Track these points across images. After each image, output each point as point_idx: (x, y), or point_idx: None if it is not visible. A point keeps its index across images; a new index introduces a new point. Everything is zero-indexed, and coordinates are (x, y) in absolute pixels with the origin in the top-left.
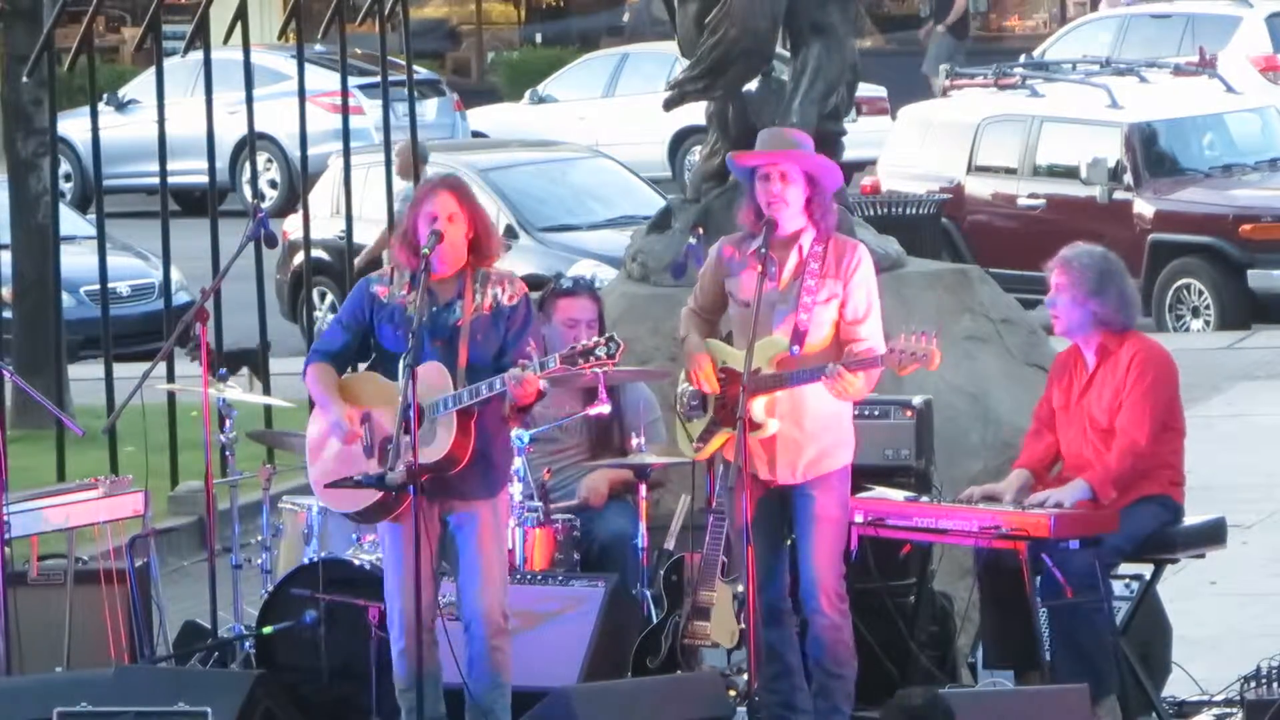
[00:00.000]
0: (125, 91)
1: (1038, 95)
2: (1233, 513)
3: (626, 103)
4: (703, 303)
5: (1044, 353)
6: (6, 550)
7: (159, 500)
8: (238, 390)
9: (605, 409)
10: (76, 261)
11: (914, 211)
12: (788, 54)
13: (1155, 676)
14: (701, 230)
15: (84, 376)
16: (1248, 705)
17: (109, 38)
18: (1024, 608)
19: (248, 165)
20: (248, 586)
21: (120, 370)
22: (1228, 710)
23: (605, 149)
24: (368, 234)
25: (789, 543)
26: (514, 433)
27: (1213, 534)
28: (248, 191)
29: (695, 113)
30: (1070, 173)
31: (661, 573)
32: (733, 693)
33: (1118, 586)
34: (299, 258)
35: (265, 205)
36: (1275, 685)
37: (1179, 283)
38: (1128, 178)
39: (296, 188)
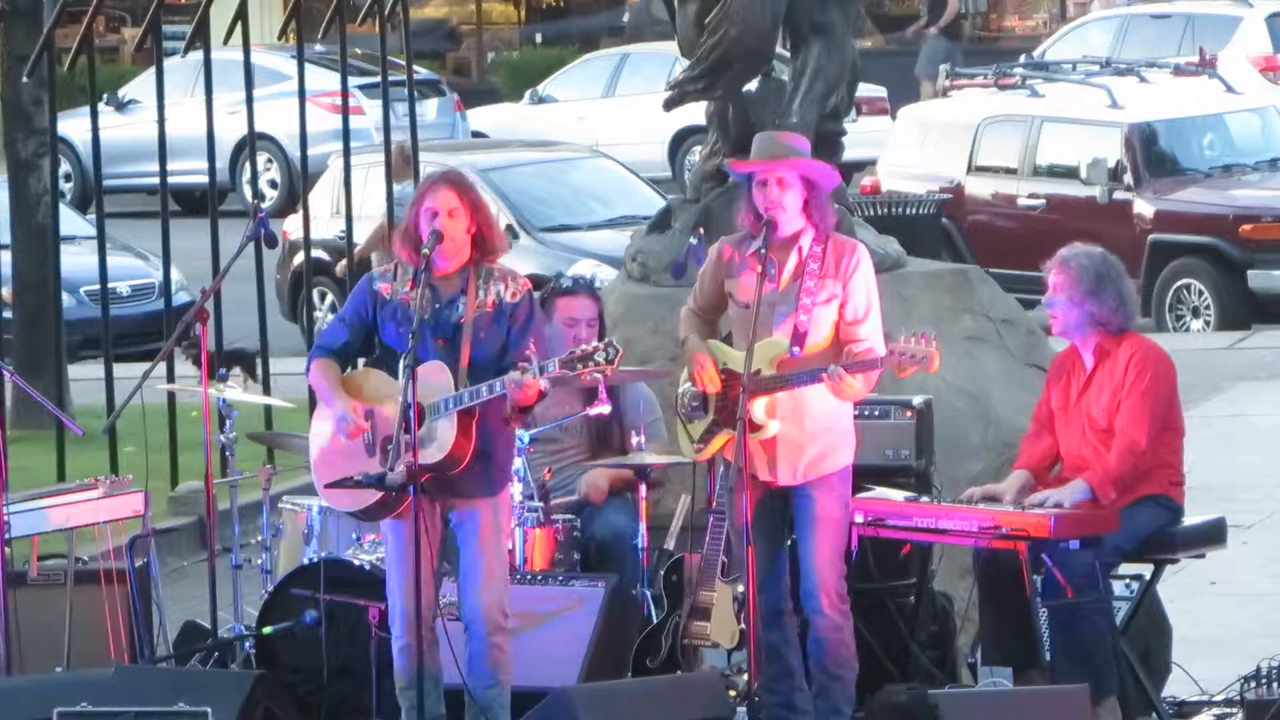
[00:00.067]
0: (125, 91)
1: (1038, 95)
2: (1233, 513)
3: (626, 103)
4: (702, 303)
5: (1044, 353)
6: (6, 550)
7: (159, 500)
8: (238, 390)
9: (605, 409)
10: (76, 261)
11: (914, 211)
12: (788, 54)
13: (1155, 676)
14: (702, 230)
15: (84, 376)
16: (1248, 705)
17: (109, 38)
18: (1023, 608)
19: (248, 165)
20: (248, 586)
21: (120, 370)
22: (1228, 710)
23: (605, 149)
24: (368, 234)
25: (789, 543)
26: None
27: (1213, 534)
28: (248, 191)
29: (695, 113)
30: (1070, 173)
31: (661, 573)
32: (733, 693)
33: (1118, 586)
34: (299, 258)
35: (265, 205)
36: (1275, 685)
37: (1179, 283)
38: (1128, 178)
39: (296, 188)
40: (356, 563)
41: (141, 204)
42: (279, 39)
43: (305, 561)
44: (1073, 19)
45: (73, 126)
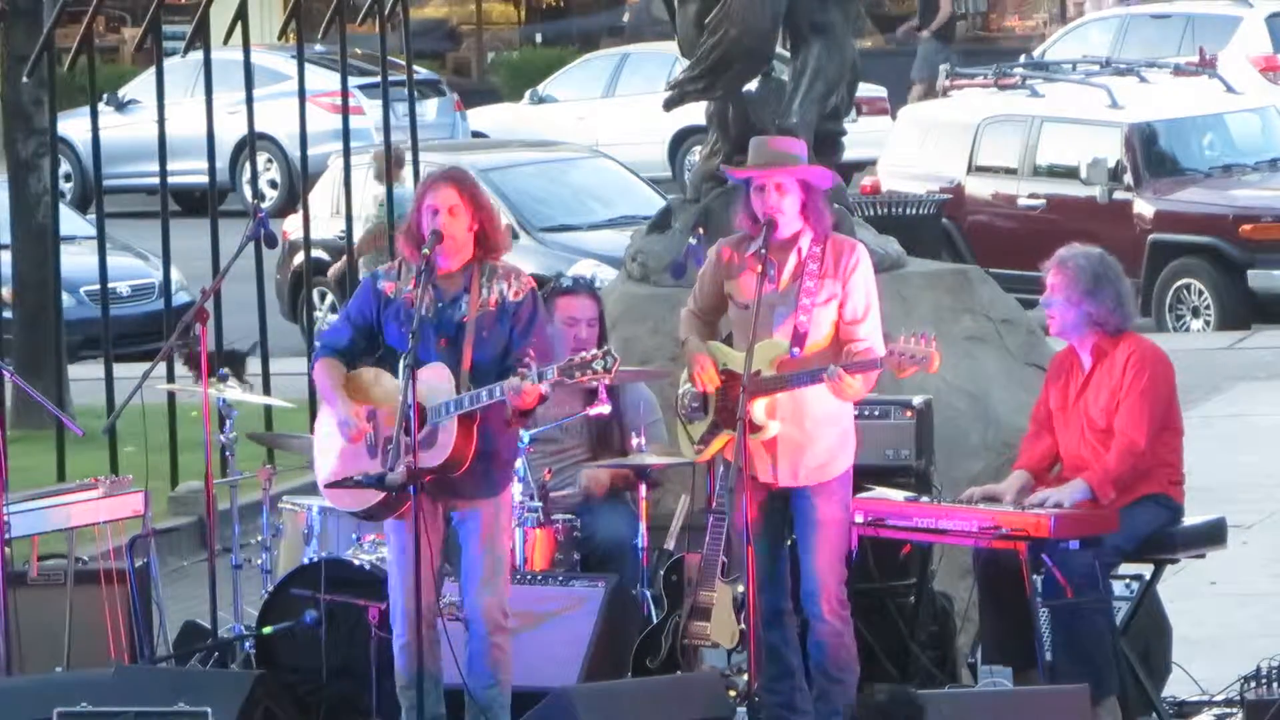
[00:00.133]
0: (125, 91)
1: (1038, 95)
2: (1233, 513)
3: (626, 103)
4: (702, 305)
5: (1044, 353)
6: (6, 550)
7: (159, 500)
8: (238, 390)
9: (605, 409)
10: (76, 261)
11: (914, 211)
12: (788, 54)
13: (1155, 676)
14: (702, 230)
15: (84, 376)
16: (1248, 705)
17: (109, 38)
18: (1024, 608)
19: (248, 165)
20: (248, 586)
21: (120, 370)
22: (1228, 710)
23: (605, 149)
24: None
25: (789, 544)
26: None
27: (1213, 534)
28: (248, 191)
29: (695, 113)
30: (1070, 173)
31: (661, 573)
32: (733, 693)
33: (1118, 586)
34: (299, 258)
35: (265, 205)
36: (1275, 685)
37: (1179, 283)
38: (1128, 178)
39: (296, 188)
40: (356, 563)
41: (141, 204)
42: (279, 39)
43: (305, 561)
44: (1073, 19)
45: (73, 126)
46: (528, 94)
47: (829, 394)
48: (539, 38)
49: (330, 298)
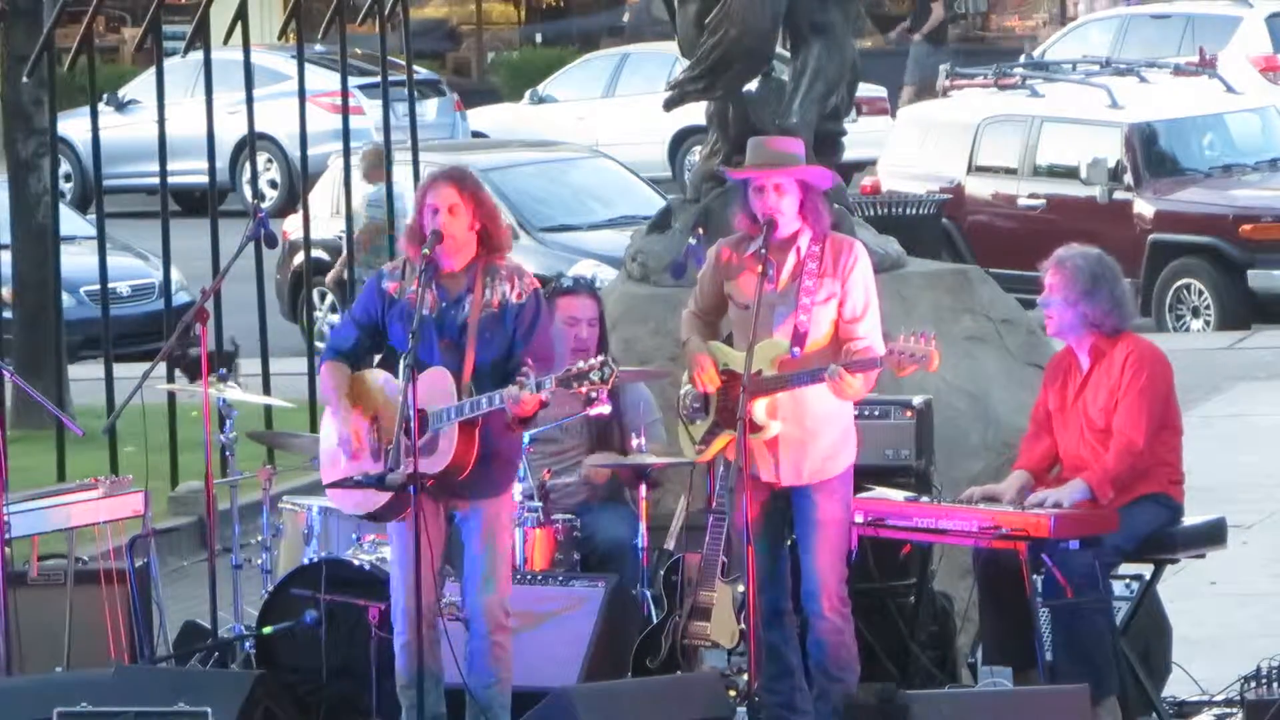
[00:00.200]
0: (125, 91)
1: (1038, 95)
2: (1233, 513)
3: (626, 103)
4: (703, 305)
5: (1044, 353)
6: (6, 550)
7: (159, 500)
8: (238, 390)
9: (605, 410)
10: (76, 261)
11: (914, 211)
12: (788, 54)
13: (1155, 676)
14: (702, 230)
15: (84, 376)
16: (1248, 705)
17: (109, 38)
18: (1023, 608)
19: (248, 165)
20: (248, 586)
21: (120, 370)
22: (1228, 710)
23: (605, 149)
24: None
25: (790, 543)
26: None
27: (1213, 534)
28: (248, 191)
29: (695, 113)
30: (1070, 173)
31: (661, 573)
32: (733, 693)
33: (1118, 586)
34: (299, 258)
35: (265, 205)
36: (1275, 685)
37: (1179, 283)
38: (1128, 178)
39: (296, 188)
40: (356, 563)
41: (141, 204)
42: (279, 39)
43: (305, 561)
44: (1073, 19)
45: (73, 126)
46: (528, 94)
47: (830, 393)
48: (539, 38)
49: (330, 298)
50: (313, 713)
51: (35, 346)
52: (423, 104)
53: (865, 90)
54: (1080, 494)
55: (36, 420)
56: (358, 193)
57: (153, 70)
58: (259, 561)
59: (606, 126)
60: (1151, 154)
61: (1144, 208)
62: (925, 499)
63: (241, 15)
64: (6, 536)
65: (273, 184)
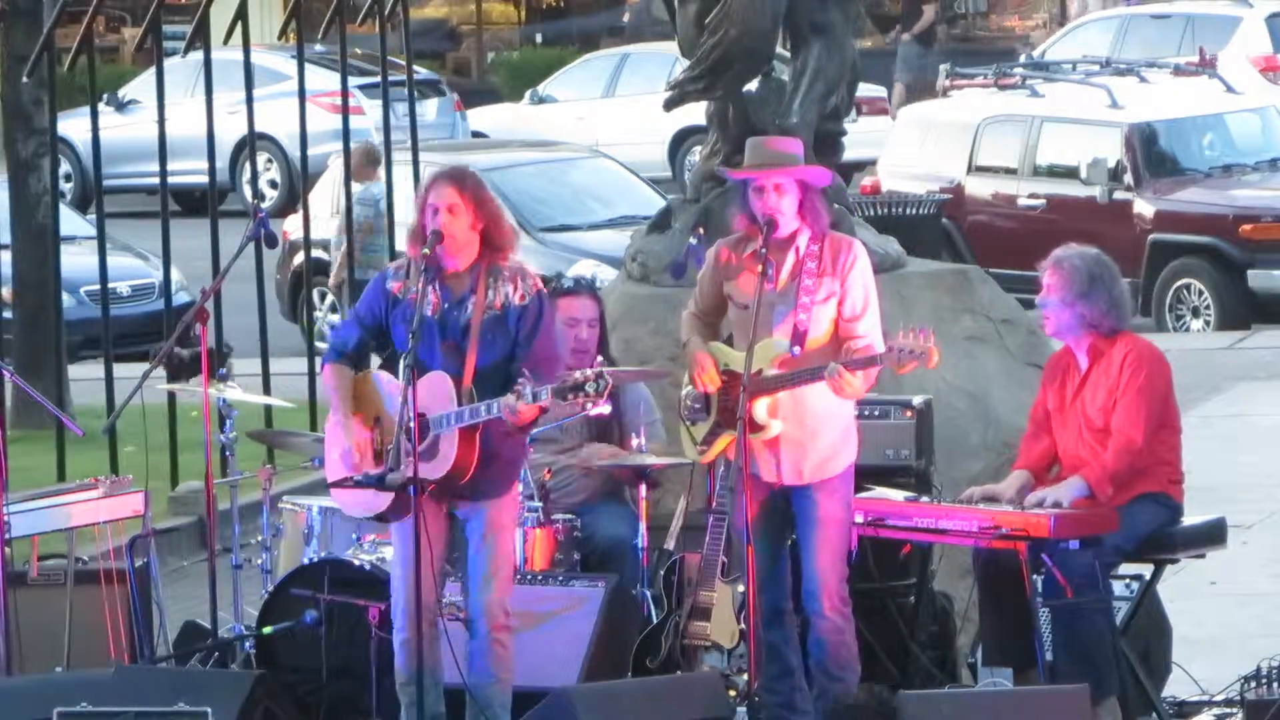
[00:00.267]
0: (125, 91)
1: (1038, 95)
2: (1233, 513)
3: (626, 103)
4: (703, 306)
5: (1044, 353)
6: (6, 550)
7: (159, 500)
8: (238, 390)
9: (605, 409)
10: (76, 261)
11: (914, 211)
12: (788, 54)
13: (1155, 676)
14: (702, 230)
15: (84, 376)
16: (1248, 705)
17: (109, 38)
18: (1024, 608)
19: (248, 165)
20: (248, 586)
21: (120, 370)
22: (1228, 710)
23: (605, 149)
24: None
25: (790, 543)
26: None
27: (1213, 534)
28: (248, 191)
29: (695, 113)
30: (1070, 173)
31: (661, 573)
32: (733, 693)
33: (1118, 586)
34: (299, 258)
35: (265, 205)
36: (1275, 685)
37: (1179, 283)
38: (1128, 178)
39: (296, 188)
40: (356, 563)
41: (141, 204)
42: (279, 39)
43: (305, 561)
44: (1074, 18)
45: (73, 126)
46: (528, 94)
47: (830, 392)
48: (539, 38)
49: (330, 298)
50: (313, 713)
51: (35, 346)
52: (423, 104)
53: (865, 90)
54: (1079, 491)
55: (36, 420)
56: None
57: (153, 70)
58: (259, 561)
59: (606, 126)
60: (1151, 154)
61: (1144, 208)
62: (925, 499)
63: (241, 15)
64: (6, 536)
65: (273, 184)
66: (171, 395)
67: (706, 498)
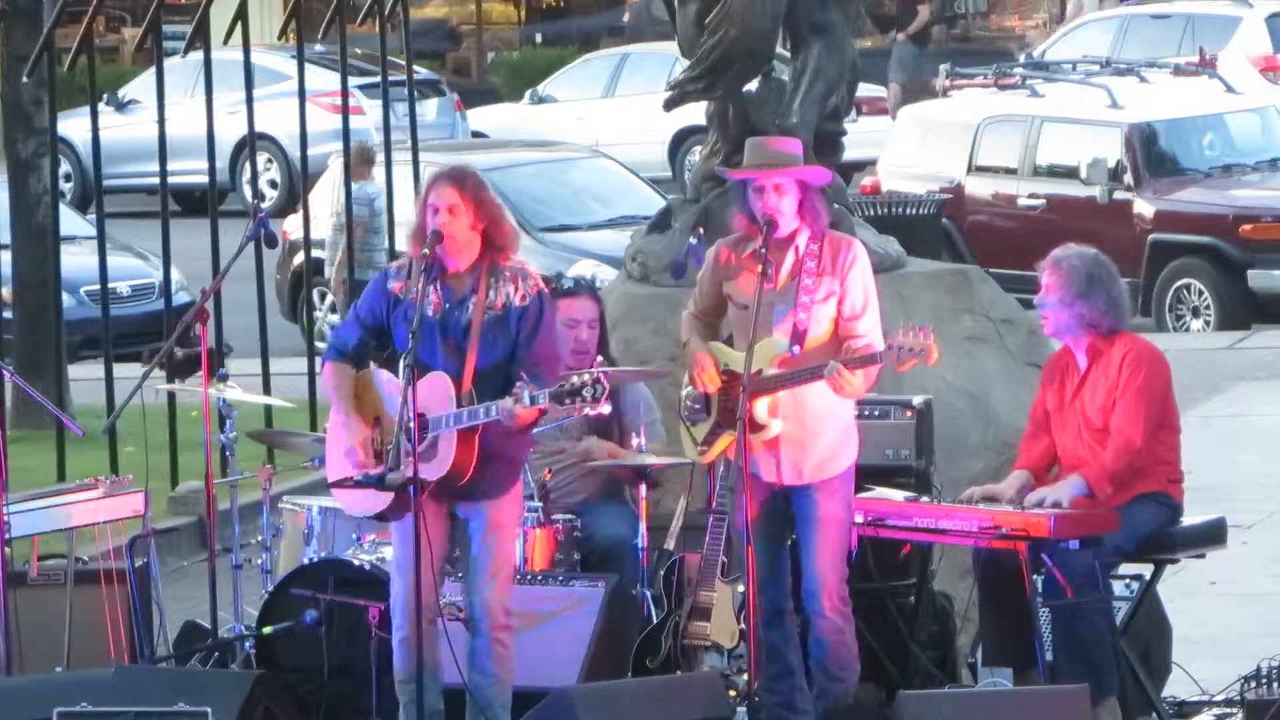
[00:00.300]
0: (125, 91)
1: (1038, 95)
2: (1233, 513)
3: (626, 103)
4: (703, 306)
5: (1044, 353)
6: (6, 550)
7: (159, 500)
8: (238, 390)
9: (605, 409)
10: (76, 261)
11: (914, 211)
12: (788, 54)
13: (1155, 676)
14: (702, 230)
15: (84, 376)
16: (1248, 705)
17: (109, 38)
18: (1024, 608)
19: (248, 165)
20: (248, 586)
21: (120, 370)
22: (1228, 710)
23: (605, 149)
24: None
25: (790, 543)
26: None
27: (1213, 534)
28: (248, 191)
29: (695, 113)
30: (1070, 173)
31: (661, 573)
32: (733, 693)
33: (1118, 586)
34: (299, 258)
35: (265, 205)
36: (1275, 685)
37: (1179, 283)
38: (1128, 178)
39: (296, 188)
40: (356, 563)
41: (141, 204)
42: (279, 39)
43: (305, 561)
44: (1070, 19)
45: (73, 126)
46: (528, 94)
47: (830, 391)
48: (539, 38)
49: (330, 298)
50: (313, 712)
51: (35, 346)
52: (423, 104)
53: (865, 90)
54: (1078, 490)
55: (36, 420)
56: (336, 190)
57: (153, 70)
58: (259, 561)
59: (606, 126)
60: (1151, 154)
61: (1144, 208)
62: (925, 499)
63: (241, 15)
64: (6, 536)
65: (273, 184)
66: (171, 395)
67: (706, 498)
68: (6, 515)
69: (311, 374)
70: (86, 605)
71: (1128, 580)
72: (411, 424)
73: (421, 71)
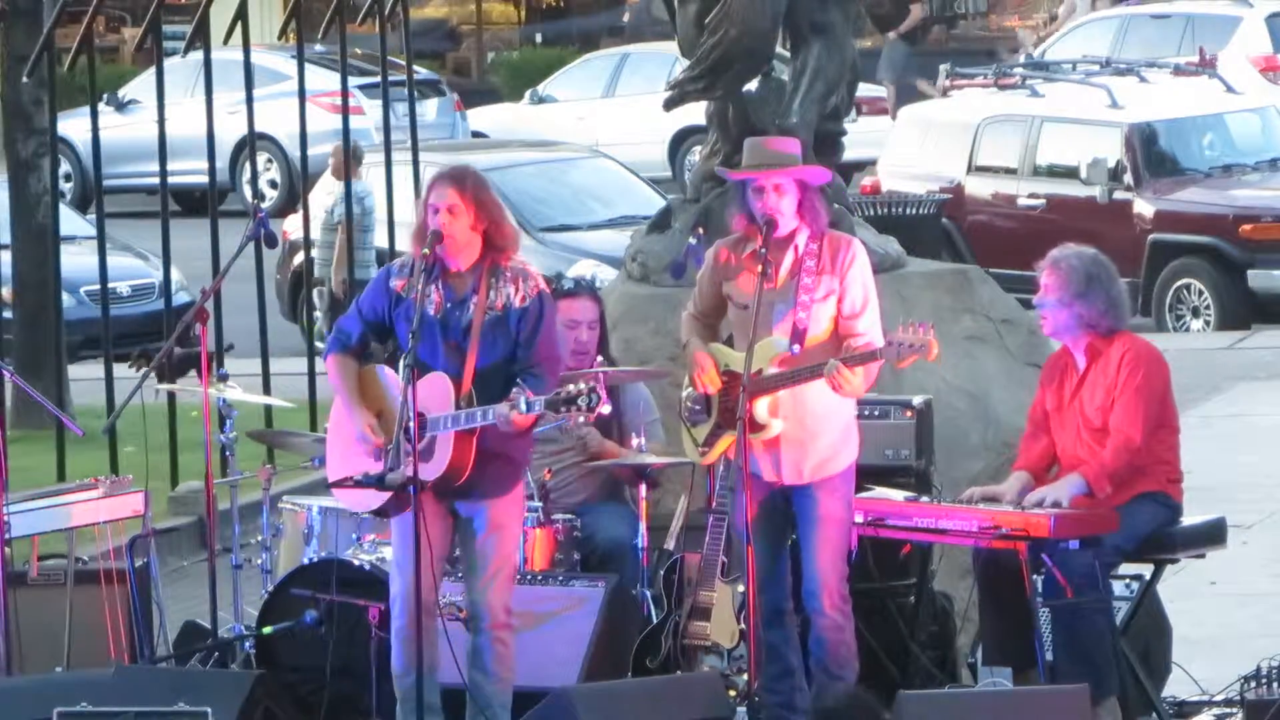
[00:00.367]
0: (125, 91)
1: (1038, 95)
2: (1233, 513)
3: (626, 103)
4: (703, 307)
5: (1044, 353)
6: (6, 550)
7: (159, 500)
8: (238, 390)
9: (605, 409)
10: (76, 261)
11: (914, 211)
12: (788, 54)
13: (1155, 676)
14: (702, 230)
15: (84, 376)
16: (1248, 705)
17: (109, 38)
18: (1024, 608)
19: (248, 165)
20: (248, 586)
21: (120, 370)
22: (1228, 710)
23: (605, 149)
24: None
25: (790, 543)
26: None
27: (1213, 534)
28: (248, 191)
29: (695, 113)
30: (1070, 173)
31: (661, 573)
32: (733, 693)
33: (1118, 586)
34: (299, 258)
35: (265, 205)
36: (1275, 685)
37: (1179, 283)
38: (1128, 178)
39: (296, 188)
40: (356, 563)
41: (141, 204)
42: (279, 39)
43: (305, 561)
44: (1061, 19)
45: (73, 126)
46: (528, 94)
47: (830, 391)
48: (539, 38)
49: (327, 297)
50: (313, 712)
51: (35, 346)
52: (423, 104)
53: (865, 90)
54: (1077, 488)
55: (36, 420)
56: (328, 190)
57: (153, 70)
58: (259, 561)
59: (606, 126)
60: (1151, 154)
61: (1144, 208)
62: (925, 499)
63: (241, 15)
64: (6, 536)
65: (273, 184)
66: (171, 395)
67: (706, 498)
68: (6, 515)
69: (312, 374)
70: (86, 605)
71: (1128, 580)
72: (411, 423)
73: (421, 71)
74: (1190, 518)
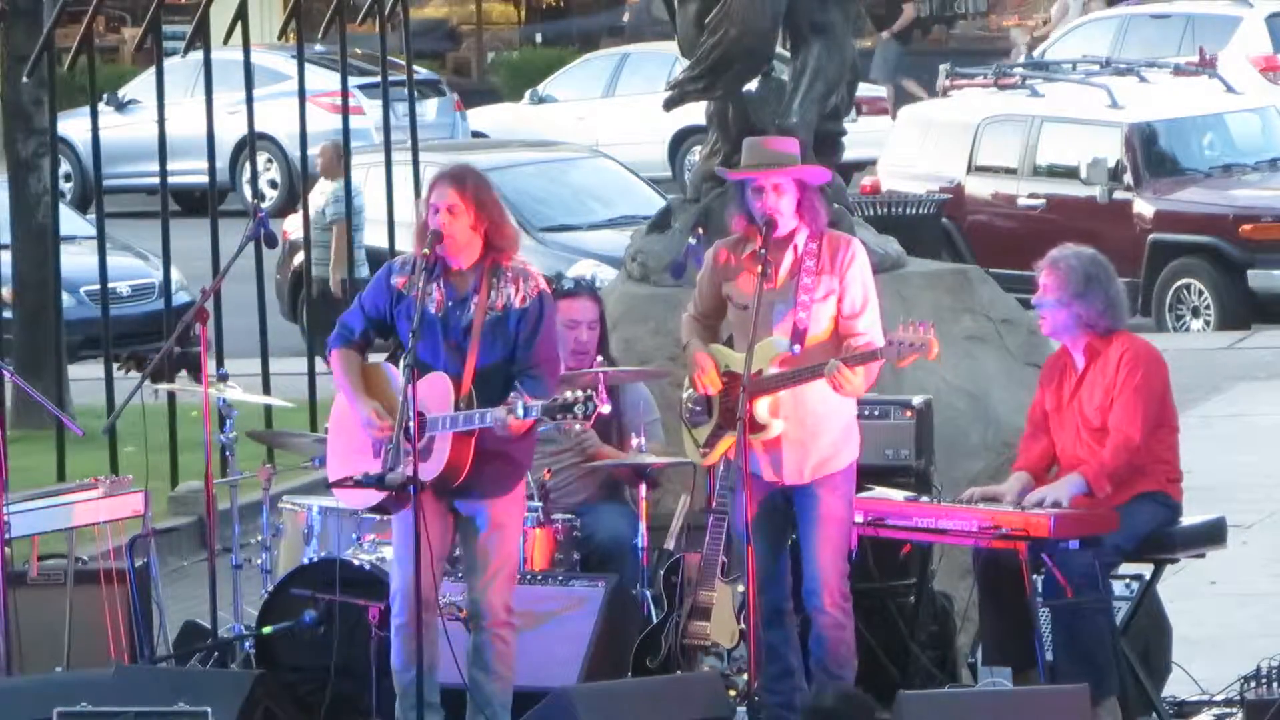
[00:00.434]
0: (125, 91)
1: (1038, 95)
2: (1233, 513)
3: (626, 103)
4: (703, 308)
5: (1044, 353)
6: (6, 550)
7: (159, 500)
8: (238, 390)
9: (605, 409)
10: (76, 261)
11: (914, 211)
12: (788, 54)
13: (1155, 676)
14: (702, 230)
15: (84, 376)
16: (1248, 705)
17: (109, 38)
18: (1024, 608)
19: (248, 165)
20: (248, 586)
21: (120, 370)
22: (1228, 710)
23: (605, 149)
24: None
25: (790, 543)
26: None
27: (1213, 534)
28: (248, 191)
29: (695, 113)
30: (1070, 173)
31: (661, 573)
32: (733, 693)
33: (1118, 586)
34: (299, 258)
35: (265, 205)
36: (1275, 685)
37: (1179, 283)
38: (1128, 178)
39: (296, 188)
40: (356, 563)
41: (141, 204)
42: (279, 39)
43: (305, 561)
44: (1054, 20)
45: (73, 126)
46: (528, 94)
47: (831, 391)
48: (539, 38)
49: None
50: (313, 712)
51: (35, 346)
52: (423, 104)
53: (865, 90)
54: (1077, 488)
55: (36, 420)
56: (319, 190)
57: (153, 70)
58: (259, 561)
59: (606, 126)
60: (1151, 154)
61: (1144, 208)
62: (925, 499)
63: (241, 15)
64: (6, 536)
65: (273, 184)
66: (171, 395)
67: (706, 498)
68: (6, 515)
69: (312, 374)
70: (86, 605)
71: (1128, 580)
72: (411, 423)
73: (421, 71)
74: (1190, 518)
